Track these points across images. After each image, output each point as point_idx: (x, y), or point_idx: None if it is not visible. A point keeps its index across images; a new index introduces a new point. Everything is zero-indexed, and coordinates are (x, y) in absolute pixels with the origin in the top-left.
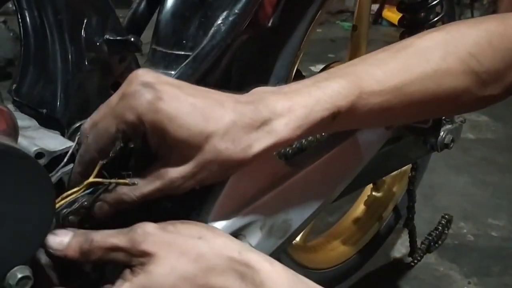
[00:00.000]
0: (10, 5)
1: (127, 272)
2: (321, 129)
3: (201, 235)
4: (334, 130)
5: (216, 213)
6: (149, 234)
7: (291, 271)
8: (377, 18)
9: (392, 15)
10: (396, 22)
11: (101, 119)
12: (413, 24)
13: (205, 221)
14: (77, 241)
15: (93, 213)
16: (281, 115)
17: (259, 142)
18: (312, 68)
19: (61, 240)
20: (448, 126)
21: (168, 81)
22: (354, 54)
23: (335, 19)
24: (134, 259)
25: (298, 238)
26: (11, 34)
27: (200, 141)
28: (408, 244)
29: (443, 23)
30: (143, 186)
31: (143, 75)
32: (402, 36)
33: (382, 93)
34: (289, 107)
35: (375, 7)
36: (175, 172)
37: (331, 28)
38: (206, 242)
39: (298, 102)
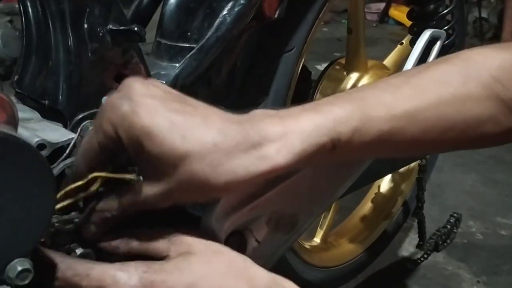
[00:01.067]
0: (16, 6)
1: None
2: (321, 158)
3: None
4: (337, 159)
5: (222, 207)
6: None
7: None
8: (384, 16)
9: (398, 13)
10: (402, 21)
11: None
12: (423, 16)
13: (210, 215)
14: None
15: (84, 234)
16: (273, 140)
17: (246, 167)
18: (318, 67)
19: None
20: None
21: (153, 93)
22: (352, 58)
23: (341, 18)
24: (173, 248)
25: (318, 239)
26: (17, 34)
27: (175, 161)
28: (416, 243)
29: (453, 16)
30: (119, 199)
31: (131, 84)
32: (411, 29)
33: (391, 119)
34: (282, 132)
35: (381, 6)
36: (148, 189)
37: (337, 27)
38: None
39: (294, 127)
